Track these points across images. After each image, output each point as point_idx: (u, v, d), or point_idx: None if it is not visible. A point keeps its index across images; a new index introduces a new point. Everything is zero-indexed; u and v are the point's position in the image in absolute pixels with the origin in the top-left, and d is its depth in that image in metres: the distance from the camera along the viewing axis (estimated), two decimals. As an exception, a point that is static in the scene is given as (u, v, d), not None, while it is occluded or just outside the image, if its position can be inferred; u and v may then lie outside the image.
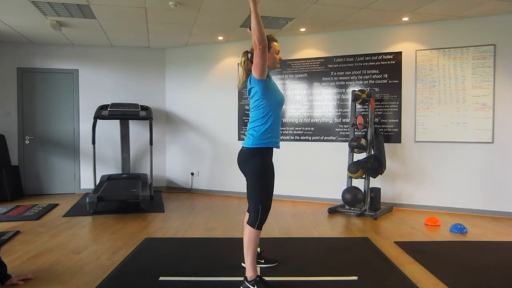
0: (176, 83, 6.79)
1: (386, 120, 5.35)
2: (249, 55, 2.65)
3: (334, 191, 5.45)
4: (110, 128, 6.55)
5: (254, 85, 2.52)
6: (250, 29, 2.40)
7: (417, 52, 5.18)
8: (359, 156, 5.12)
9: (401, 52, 5.27)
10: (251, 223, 2.51)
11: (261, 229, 2.53)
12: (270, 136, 2.55)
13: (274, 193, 2.60)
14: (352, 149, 5.04)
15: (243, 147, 2.61)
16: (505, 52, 4.75)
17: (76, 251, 3.40)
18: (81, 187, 6.55)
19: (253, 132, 2.55)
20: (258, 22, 2.30)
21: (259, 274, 2.62)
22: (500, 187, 4.81)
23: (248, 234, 2.52)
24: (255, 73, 2.46)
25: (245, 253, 2.55)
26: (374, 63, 5.40)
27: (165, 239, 3.78)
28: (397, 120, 5.29)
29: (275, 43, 2.63)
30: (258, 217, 2.49)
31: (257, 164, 2.52)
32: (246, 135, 2.63)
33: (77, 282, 2.70)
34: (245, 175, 2.60)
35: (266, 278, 2.60)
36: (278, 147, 2.63)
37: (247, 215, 2.71)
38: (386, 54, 5.34)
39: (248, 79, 2.60)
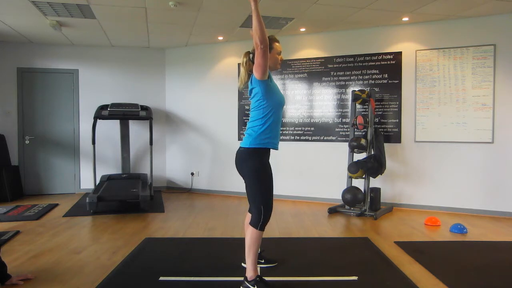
0: (176, 83, 6.79)
1: (386, 120, 5.35)
2: (251, 55, 2.64)
3: (334, 191, 5.45)
4: (110, 128, 6.55)
5: (255, 86, 2.52)
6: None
7: (417, 52, 5.18)
8: (359, 156, 5.12)
9: (401, 52, 5.27)
10: (254, 223, 2.51)
11: (263, 230, 2.53)
12: (268, 137, 2.54)
13: (274, 193, 2.60)
14: (352, 149, 5.04)
15: (240, 147, 2.60)
16: (505, 52, 4.75)
17: (76, 251, 3.39)
18: (81, 187, 6.55)
19: (251, 132, 2.55)
20: (259, 21, 2.30)
21: (259, 274, 2.62)
22: (500, 187, 4.81)
23: (250, 235, 2.52)
24: (256, 74, 2.46)
25: (246, 253, 2.55)
26: (374, 63, 5.40)
27: (165, 239, 3.78)
28: (397, 120, 5.29)
29: (276, 44, 2.62)
30: (261, 217, 2.49)
31: (255, 165, 2.51)
32: (244, 135, 2.62)
33: (77, 282, 2.70)
34: (242, 176, 2.59)
35: (266, 278, 2.60)
36: (276, 148, 2.61)
37: (248, 215, 2.71)
38: (386, 54, 5.34)
39: (250, 80, 2.60)
